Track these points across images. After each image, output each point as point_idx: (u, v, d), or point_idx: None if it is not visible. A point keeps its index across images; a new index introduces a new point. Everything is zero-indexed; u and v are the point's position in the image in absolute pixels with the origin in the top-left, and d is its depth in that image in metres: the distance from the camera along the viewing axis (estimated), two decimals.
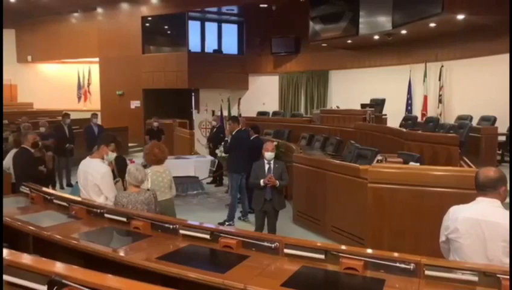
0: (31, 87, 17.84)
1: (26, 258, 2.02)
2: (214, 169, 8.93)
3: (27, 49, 18.06)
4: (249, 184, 5.20)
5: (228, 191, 7.37)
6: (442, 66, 11.08)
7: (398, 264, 2.45)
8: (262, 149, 5.18)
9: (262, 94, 15.62)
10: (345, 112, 10.19)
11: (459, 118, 9.26)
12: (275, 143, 8.38)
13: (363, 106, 9.96)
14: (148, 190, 3.92)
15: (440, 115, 10.88)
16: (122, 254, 2.81)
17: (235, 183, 6.85)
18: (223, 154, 7.57)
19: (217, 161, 8.62)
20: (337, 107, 11.49)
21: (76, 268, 1.93)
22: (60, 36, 17.17)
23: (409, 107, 11.92)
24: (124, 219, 3.40)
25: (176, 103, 15.81)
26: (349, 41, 12.15)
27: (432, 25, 9.62)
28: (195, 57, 14.97)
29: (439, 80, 11.13)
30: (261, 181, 5.04)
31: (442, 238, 2.66)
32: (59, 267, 1.90)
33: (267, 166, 5.13)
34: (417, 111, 11.64)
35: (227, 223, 6.64)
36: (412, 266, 2.42)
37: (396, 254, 2.53)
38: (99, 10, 16.31)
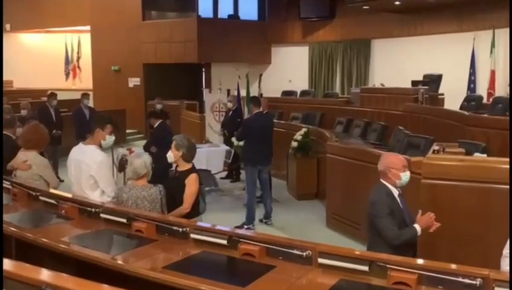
0: (10, 62, 18.13)
1: (8, 265, 2.05)
2: (230, 161, 8.96)
3: (5, 16, 18.36)
4: (392, 237, 3.53)
5: (245, 187, 7.40)
6: None
7: (460, 279, 2.42)
8: (385, 166, 3.72)
9: (289, 69, 15.52)
10: (391, 90, 10.05)
11: None
12: (304, 129, 8.43)
13: (414, 83, 9.81)
14: (155, 185, 3.98)
15: None
16: (122, 261, 2.86)
17: (249, 178, 6.90)
18: (240, 143, 7.59)
19: (233, 151, 8.64)
20: (382, 85, 11.32)
21: (67, 277, 1.97)
22: (44, 0, 17.40)
23: (472, 85, 11.67)
24: (124, 220, 3.44)
25: (183, 80, 15.87)
26: (397, 2, 11.93)
27: None
28: (207, 24, 14.96)
29: None
30: (417, 227, 3.59)
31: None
32: (47, 275, 1.94)
33: (398, 198, 3.72)
34: (482, 90, 11.39)
35: (246, 226, 6.69)
36: (478, 282, 2.38)
37: (457, 267, 2.50)
38: None
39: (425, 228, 3.60)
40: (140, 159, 4.00)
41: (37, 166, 4.51)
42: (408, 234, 3.59)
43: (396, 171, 3.67)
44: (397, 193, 3.71)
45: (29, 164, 4.51)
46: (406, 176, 3.69)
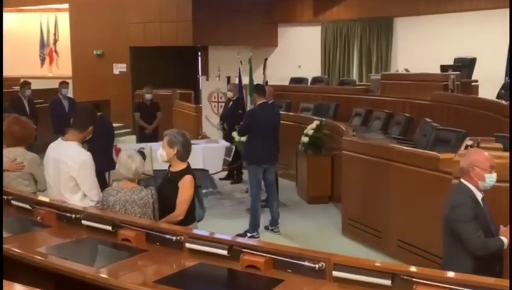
0: None
1: None
2: (230, 159, 8.97)
3: None
4: (478, 246, 3.54)
5: (248, 190, 7.41)
6: None
7: None
8: (469, 163, 3.72)
9: (298, 53, 15.49)
10: (417, 77, 10.04)
11: None
12: (316, 122, 8.41)
13: (443, 68, 9.79)
14: (146, 187, 3.99)
15: None
16: (107, 275, 2.87)
17: (253, 178, 6.91)
18: (242, 138, 7.60)
19: (234, 148, 8.66)
20: (406, 70, 11.30)
21: None
22: None
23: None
24: (109, 228, 3.46)
25: (176, 66, 15.86)
26: None
27: None
28: (203, 0, 14.93)
29: None
30: (504, 239, 3.59)
31: None
32: None
33: (481, 203, 3.74)
34: None
35: (249, 234, 6.71)
36: None
37: (495, 281, 2.50)
38: None
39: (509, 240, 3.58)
40: (137, 157, 4.01)
41: (29, 164, 4.50)
42: (495, 244, 3.57)
43: (480, 170, 3.68)
44: (481, 196, 3.71)
45: (21, 163, 4.49)
46: (491, 178, 3.69)
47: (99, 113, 7.65)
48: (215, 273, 2.96)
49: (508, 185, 4.48)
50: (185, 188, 4.08)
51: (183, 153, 4.17)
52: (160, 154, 4.20)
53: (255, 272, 2.87)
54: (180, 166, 4.19)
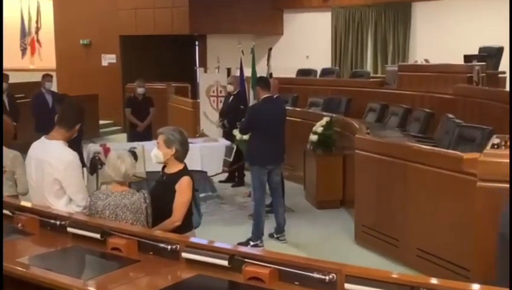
0: None
1: None
2: (231, 160, 8.98)
3: None
4: None
5: (251, 193, 7.42)
6: None
7: None
8: None
9: (306, 42, 15.50)
10: (437, 68, 10.04)
11: None
12: (326, 119, 8.42)
13: (467, 58, 9.78)
14: (138, 191, 3.99)
15: None
16: (95, 288, 2.87)
17: (257, 181, 6.90)
18: (244, 137, 7.61)
19: (235, 147, 8.66)
20: (426, 61, 11.30)
21: None
22: None
23: None
24: (97, 236, 3.45)
25: (171, 57, 15.89)
26: None
27: None
28: None
29: None
30: None
31: None
32: None
33: None
34: None
35: (252, 243, 6.71)
36: None
37: None
38: None
39: None
40: (128, 158, 4.02)
41: (12, 162, 4.54)
42: None
43: None
44: None
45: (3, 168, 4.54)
46: None
47: None
48: (215, 286, 2.97)
49: None
50: (183, 190, 4.09)
51: (181, 153, 4.18)
52: (155, 154, 4.20)
53: (259, 285, 2.87)
54: (176, 167, 4.20)
